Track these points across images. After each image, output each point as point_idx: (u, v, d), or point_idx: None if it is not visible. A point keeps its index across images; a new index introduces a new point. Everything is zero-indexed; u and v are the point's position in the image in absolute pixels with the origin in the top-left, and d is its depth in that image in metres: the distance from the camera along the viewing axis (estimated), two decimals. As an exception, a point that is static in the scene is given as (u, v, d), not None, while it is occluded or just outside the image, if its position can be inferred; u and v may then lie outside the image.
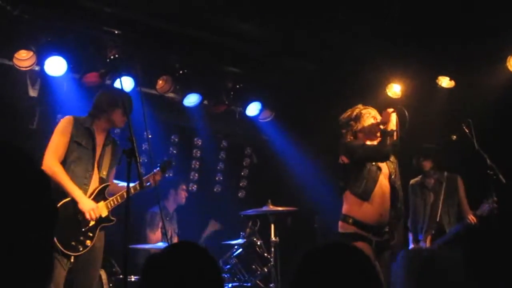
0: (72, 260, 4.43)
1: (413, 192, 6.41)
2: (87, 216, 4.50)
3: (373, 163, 4.83)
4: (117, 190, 4.76)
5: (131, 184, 4.70)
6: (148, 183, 4.73)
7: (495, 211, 5.76)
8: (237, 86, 6.94)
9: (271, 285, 5.80)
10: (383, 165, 4.90)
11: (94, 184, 4.65)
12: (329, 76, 7.04)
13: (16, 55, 5.62)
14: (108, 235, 4.86)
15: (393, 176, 4.90)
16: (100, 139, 4.74)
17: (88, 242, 4.53)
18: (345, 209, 4.85)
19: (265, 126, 7.43)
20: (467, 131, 5.64)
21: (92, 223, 4.55)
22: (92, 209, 4.51)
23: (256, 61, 6.89)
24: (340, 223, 4.84)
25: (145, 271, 2.08)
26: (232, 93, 6.94)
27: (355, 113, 4.99)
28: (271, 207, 5.96)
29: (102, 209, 4.62)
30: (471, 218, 6.01)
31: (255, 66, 6.96)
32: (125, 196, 4.58)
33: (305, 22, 6.19)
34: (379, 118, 4.94)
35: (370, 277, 1.86)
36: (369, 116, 4.96)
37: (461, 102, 6.53)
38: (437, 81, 6.81)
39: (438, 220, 6.18)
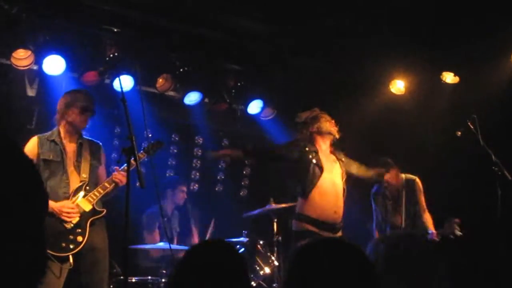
0: (71, 260, 4.42)
1: (374, 201, 6.28)
2: (64, 217, 4.49)
3: (315, 164, 5.33)
4: None
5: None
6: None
7: (456, 235, 5.74)
8: (238, 84, 6.88)
9: (274, 285, 5.75)
10: (332, 165, 5.42)
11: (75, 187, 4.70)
12: (332, 73, 6.99)
13: (14, 54, 5.57)
14: (108, 236, 4.81)
15: (345, 178, 5.46)
16: (70, 146, 4.77)
17: (79, 238, 4.52)
18: (297, 207, 5.38)
19: (266, 124, 7.37)
20: (472, 127, 5.59)
21: (75, 220, 4.53)
22: (60, 208, 4.49)
23: (257, 58, 6.84)
24: (293, 221, 5.34)
25: (179, 268, 2.13)
26: (233, 91, 6.89)
27: (312, 115, 5.54)
28: (274, 205, 5.90)
29: (83, 204, 4.63)
30: (434, 234, 5.81)
31: (257, 64, 6.91)
32: (107, 186, 4.69)
33: (307, 19, 6.14)
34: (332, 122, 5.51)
35: (363, 271, 1.82)
36: (326, 119, 5.50)
37: (465, 98, 6.47)
38: (441, 77, 6.76)
39: (401, 225, 6.08)
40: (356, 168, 5.70)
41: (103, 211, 4.73)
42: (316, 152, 5.44)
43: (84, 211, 4.62)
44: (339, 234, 5.31)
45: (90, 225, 4.62)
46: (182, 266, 2.11)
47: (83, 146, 4.82)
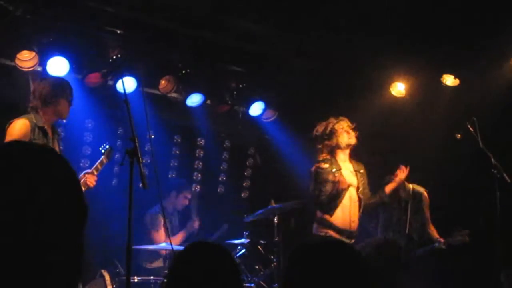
0: None
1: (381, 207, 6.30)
2: None
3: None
4: None
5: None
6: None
7: (466, 243, 5.84)
8: (240, 86, 6.91)
9: (275, 285, 5.78)
10: (351, 178, 5.58)
11: None
12: (333, 75, 7.00)
13: (18, 55, 5.58)
14: (110, 236, 4.84)
15: (360, 189, 5.63)
16: (49, 136, 4.59)
17: None
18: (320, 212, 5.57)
19: (268, 125, 7.39)
20: (471, 129, 5.61)
21: None
22: None
23: (259, 60, 6.85)
24: (314, 225, 5.53)
25: (172, 269, 2.22)
26: (235, 92, 6.91)
27: (328, 128, 5.57)
28: (275, 207, 5.92)
29: None
30: (443, 243, 5.90)
31: (258, 66, 6.93)
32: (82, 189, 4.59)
33: (308, 21, 6.16)
34: (350, 130, 5.55)
35: (359, 272, 1.84)
36: (343, 131, 5.52)
37: (466, 101, 6.49)
38: (441, 79, 6.76)
39: (407, 234, 6.09)
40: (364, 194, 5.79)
41: None
42: (340, 170, 5.58)
43: None
44: (353, 241, 5.43)
45: None
46: (175, 269, 2.17)
47: (56, 137, 4.65)
